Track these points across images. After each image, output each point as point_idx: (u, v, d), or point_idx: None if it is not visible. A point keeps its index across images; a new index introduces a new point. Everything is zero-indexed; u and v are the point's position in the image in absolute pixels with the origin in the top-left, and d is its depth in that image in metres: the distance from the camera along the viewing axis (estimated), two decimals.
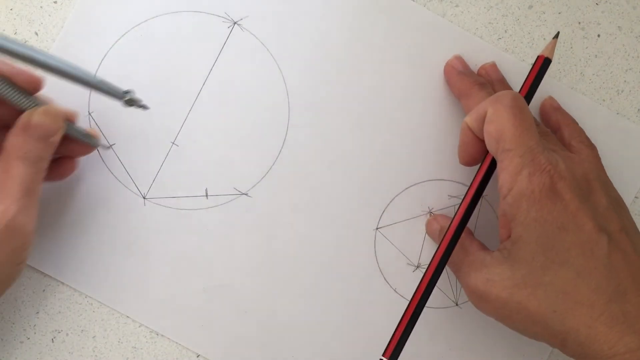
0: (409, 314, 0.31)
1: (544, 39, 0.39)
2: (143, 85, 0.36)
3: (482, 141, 0.33)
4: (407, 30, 0.38)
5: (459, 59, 0.38)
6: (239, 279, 0.37)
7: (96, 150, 0.37)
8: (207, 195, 0.37)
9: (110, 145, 0.37)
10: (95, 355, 0.36)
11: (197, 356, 0.37)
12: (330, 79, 0.38)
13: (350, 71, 0.38)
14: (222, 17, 0.38)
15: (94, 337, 0.37)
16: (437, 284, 0.32)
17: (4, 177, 0.31)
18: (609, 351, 0.27)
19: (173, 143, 0.37)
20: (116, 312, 0.37)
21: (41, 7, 0.38)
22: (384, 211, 0.38)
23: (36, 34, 0.38)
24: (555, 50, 0.39)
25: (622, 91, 0.39)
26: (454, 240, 0.32)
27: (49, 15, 0.38)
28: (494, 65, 0.38)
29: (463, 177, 0.38)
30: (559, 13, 0.39)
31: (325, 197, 0.38)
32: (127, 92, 0.33)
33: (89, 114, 0.37)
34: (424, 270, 0.35)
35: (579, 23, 0.39)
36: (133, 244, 0.37)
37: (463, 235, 0.33)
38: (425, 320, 0.37)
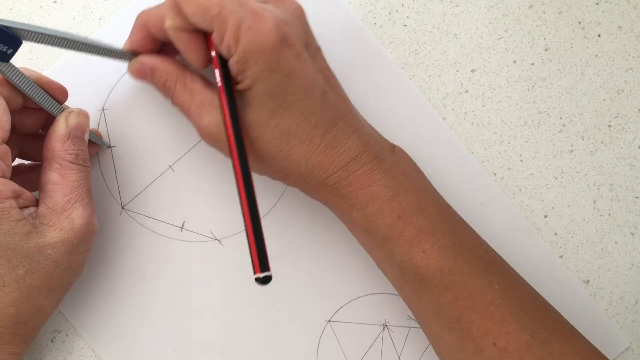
0: (248, 219, 0.28)
1: (544, 38, 0.39)
2: (159, 100, 0.35)
3: (197, 33, 0.30)
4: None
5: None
6: (190, 321, 0.36)
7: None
8: (182, 228, 0.37)
9: (111, 147, 0.37)
10: (95, 355, 0.36)
11: None
12: None
13: None
14: None
15: None
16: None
17: (63, 184, 0.31)
18: (324, 174, 0.31)
19: (170, 167, 0.37)
20: None
21: (41, 7, 0.38)
22: (343, 306, 0.37)
23: None
24: (556, 50, 0.39)
25: (622, 91, 0.39)
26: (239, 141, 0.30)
27: (49, 15, 0.38)
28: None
29: None
30: (559, 13, 0.39)
31: (291, 277, 0.37)
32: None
33: (103, 109, 0.37)
34: None
35: (579, 23, 0.39)
36: (100, 250, 0.36)
37: (184, 73, 0.32)
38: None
